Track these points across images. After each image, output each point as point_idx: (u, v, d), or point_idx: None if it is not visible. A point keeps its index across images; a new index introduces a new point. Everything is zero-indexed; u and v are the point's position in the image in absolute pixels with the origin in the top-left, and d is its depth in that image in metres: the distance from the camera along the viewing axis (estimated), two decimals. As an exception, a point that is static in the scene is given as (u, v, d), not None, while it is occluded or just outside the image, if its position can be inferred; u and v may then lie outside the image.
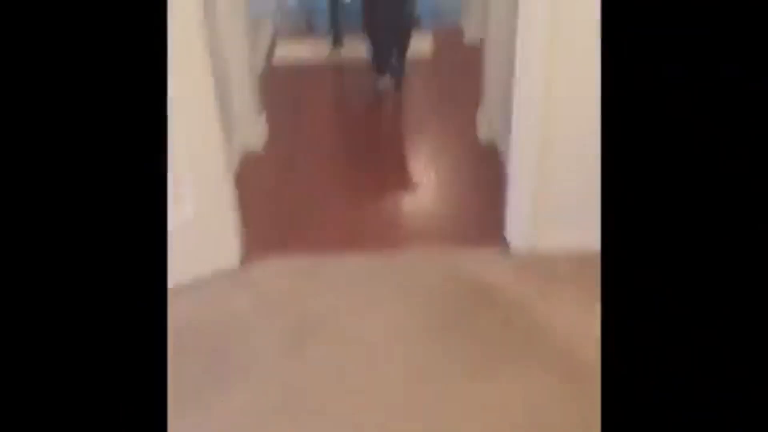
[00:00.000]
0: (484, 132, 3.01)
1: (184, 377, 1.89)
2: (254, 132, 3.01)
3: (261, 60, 3.75)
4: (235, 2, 2.76)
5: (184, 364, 1.93)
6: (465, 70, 3.50)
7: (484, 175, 2.75)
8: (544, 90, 2.16)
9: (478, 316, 2.09)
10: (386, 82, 3.50)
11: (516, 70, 2.20)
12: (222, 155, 2.20)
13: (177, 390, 1.84)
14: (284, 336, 2.05)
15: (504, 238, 2.37)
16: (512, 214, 2.35)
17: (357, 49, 3.76)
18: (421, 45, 3.85)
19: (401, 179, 2.85)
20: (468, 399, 1.81)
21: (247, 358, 1.98)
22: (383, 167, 2.95)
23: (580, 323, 2.02)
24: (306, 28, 4.41)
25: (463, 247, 2.37)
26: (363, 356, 1.97)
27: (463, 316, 2.09)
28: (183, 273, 2.19)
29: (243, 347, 2.02)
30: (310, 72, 3.83)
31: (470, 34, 3.88)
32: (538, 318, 2.07)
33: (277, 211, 2.65)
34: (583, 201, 2.26)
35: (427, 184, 2.83)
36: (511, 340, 2.00)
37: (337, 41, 3.97)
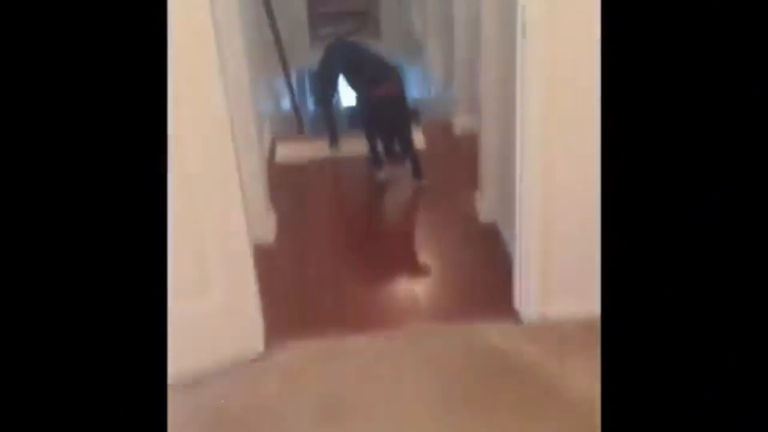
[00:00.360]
0: (483, 214, 3.18)
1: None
2: (265, 225, 3.16)
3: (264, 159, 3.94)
4: (244, 104, 2.96)
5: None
6: (458, 159, 3.72)
7: (488, 254, 2.91)
8: (543, 173, 2.34)
9: (497, 382, 2.19)
10: (385, 174, 3.68)
11: (516, 158, 2.39)
12: (248, 244, 2.34)
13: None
14: (313, 414, 2.13)
15: (514, 310, 2.51)
16: (520, 287, 2.49)
17: (354, 145, 3.97)
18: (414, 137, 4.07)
19: (410, 260, 3.00)
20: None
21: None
22: (391, 251, 3.10)
23: (594, 384, 2.12)
24: (298, 130, 4.62)
25: (476, 321, 2.49)
26: (390, 429, 2.05)
27: (482, 384, 2.19)
28: (210, 358, 2.29)
29: (274, 427, 2.10)
30: (311, 169, 4.03)
31: (461, 126, 4.12)
32: (554, 380, 2.17)
33: (293, 297, 2.78)
34: (586, 271, 2.41)
35: (436, 264, 2.99)
36: (530, 403, 2.10)
37: (333, 141, 4.17)
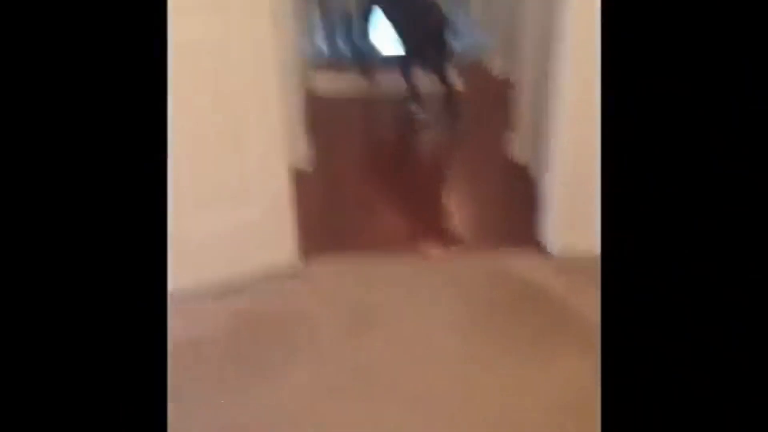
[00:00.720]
0: (517, 153, 3.24)
1: (250, 358, 2.08)
2: (303, 151, 3.23)
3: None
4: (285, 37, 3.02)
5: (249, 347, 2.12)
6: (494, 101, 3.77)
7: (520, 191, 2.98)
8: (578, 114, 2.40)
9: (523, 309, 2.28)
10: (424, 113, 3.72)
11: (552, 98, 2.45)
12: (286, 159, 2.42)
13: (244, 368, 2.03)
14: (345, 323, 2.23)
15: (542, 243, 2.58)
16: (549, 220, 2.56)
17: (391, 80, 4.01)
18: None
19: (445, 191, 3.09)
20: (519, 384, 1.98)
21: (310, 341, 2.16)
22: (427, 182, 3.18)
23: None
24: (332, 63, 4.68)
25: (505, 249, 2.57)
26: (420, 341, 2.15)
27: (509, 309, 2.27)
28: (248, 268, 2.40)
29: (306, 332, 2.20)
30: (349, 102, 4.10)
31: (498, 69, 4.15)
32: (580, 310, 2.26)
33: (328, 217, 2.87)
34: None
35: (468, 199, 3.07)
36: (556, 330, 2.19)
37: (367, 72, 4.19)
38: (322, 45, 5.01)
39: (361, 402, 1.93)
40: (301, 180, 3.13)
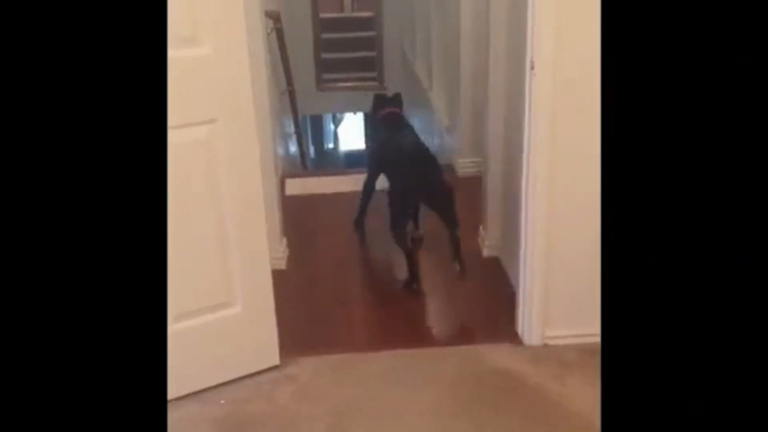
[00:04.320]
0: (486, 249, 3.35)
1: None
2: (279, 252, 3.31)
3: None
4: (265, 143, 3.14)
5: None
6: (462, 199, 3.89)
7: (491, 285, 3.06)
8: (547, 209, 2.52)
9: (501, 399, 2.33)
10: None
11: (521, 194, 2.58)
12: (267, 262, 2.49)
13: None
14: (326, 421, 2.25)
15: (516, 335, 2.65)
16: (523, 313, 2.64)
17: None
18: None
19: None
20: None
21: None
22: (399, 279, 3.25)
23: (594, 402, 2.27)
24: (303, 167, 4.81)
25: (481, 343, 2.63)
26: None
27: (487, 400, 2.32)
28: (228, 370, 2.42)
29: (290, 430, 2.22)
30: (317, 202, 4.21)
31: (464, 168, 4.31)
32: (556, 399, 2.31)
33: (305, 317, 2.91)
34: (586, 299, 2.57)
35: (440, 293, 3.13)
36: (534, 419, 2.23)
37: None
38: (294, 151, 5.18)
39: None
40: (279, 280, 3.19)
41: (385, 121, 3.53)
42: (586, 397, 2.31)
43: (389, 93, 3.91)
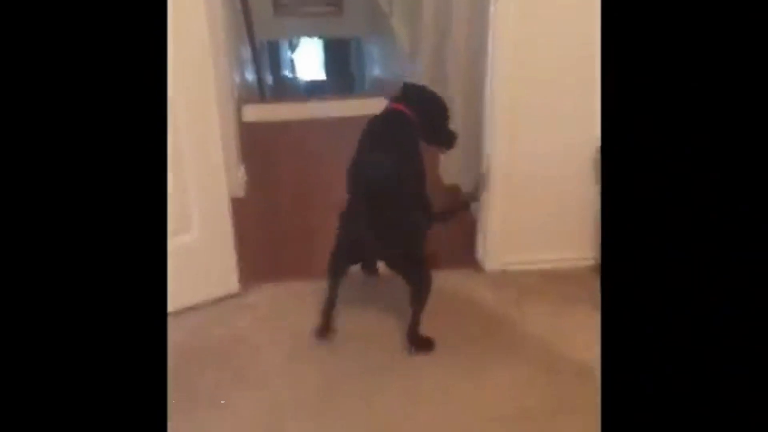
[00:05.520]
0: (446, 176, 3.34)
1: (196, 383, 2.09)
2: (237, 179, 3.25)
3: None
4: (220, 69, 3.04)
5: (193, 373, 2.13)
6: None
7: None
8: (509, 134, 2.50)
9: (461, 324, 2.35)
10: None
11: (484, 122, 2.55)
12: (225, 188, 2.44)
13: (189, 393, 2.02)
14: (286, 349, 2.25)
15: (476, 261, 2.67)
16: (483, 239, 2.65)
17: (321, 108, 4.06)
18: (378, 105, 4.19)
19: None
20: (462, 394, 2.05)
21: (255, 364, 2.19)
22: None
23: (552, 325, 2.32)
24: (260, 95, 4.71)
25: (441, 269, 2.64)
26: (361, 358, 2.19)
27: (449, 326, 2.33)
28: (185, 296, 2.39)
29: (250, 358, 2.21)
30: (276, 129, 4.13)
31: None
32: (515, 322, 2.34)
33: (264, 245, 2.88)
34: (544, 225, 2.59)
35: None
36: (495, 342, 2.27)
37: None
38: (252, 78, 5.06)
39: (306, 423, 1.96)
40: (238, 208, 3.14)
41: (369, 126, 2.41)
42: (544, 322, 2.34)
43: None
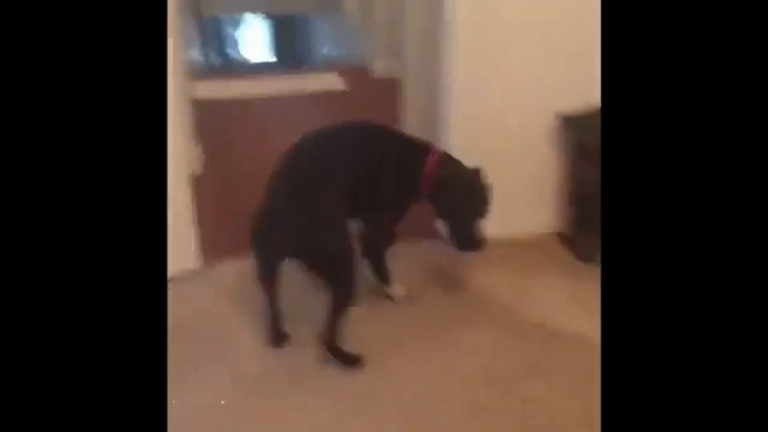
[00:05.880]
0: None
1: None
2: (193, 156, 3.20)
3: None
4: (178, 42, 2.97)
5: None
6: (377, 103, 3.85)
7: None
8: (472, 103, 2.52)
9: (431, 294, 2.37)
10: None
11: (443, 95, 2.56)
12: (183, 164, 2.40)
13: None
14: (249, 324, 2.23)
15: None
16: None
17: (276, 82, 4.01)
18: (330, 81, 4.17)
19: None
20: (428, 356, 2.07)
21: (218, 340, 2.17)
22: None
23: (518, 291, 2.36)
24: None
25: (406, 240, 2.65)
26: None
27: (416, 292, 2.36)
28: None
29: (216, 330, 2.19)
30: (230, 106, 4.07)
31: (379, 71, 4.25)
32: (482, 288, 2.39)
33: (227, 220, 2.85)
34: (512, 194, 2.62)
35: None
36: (462, 307, 2.30)
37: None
38: (200, 55, 4.97)
39: (272, 399, 1.95)
40: (197, 184, 3.10)
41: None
42: (510, 287, 2.38)
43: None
